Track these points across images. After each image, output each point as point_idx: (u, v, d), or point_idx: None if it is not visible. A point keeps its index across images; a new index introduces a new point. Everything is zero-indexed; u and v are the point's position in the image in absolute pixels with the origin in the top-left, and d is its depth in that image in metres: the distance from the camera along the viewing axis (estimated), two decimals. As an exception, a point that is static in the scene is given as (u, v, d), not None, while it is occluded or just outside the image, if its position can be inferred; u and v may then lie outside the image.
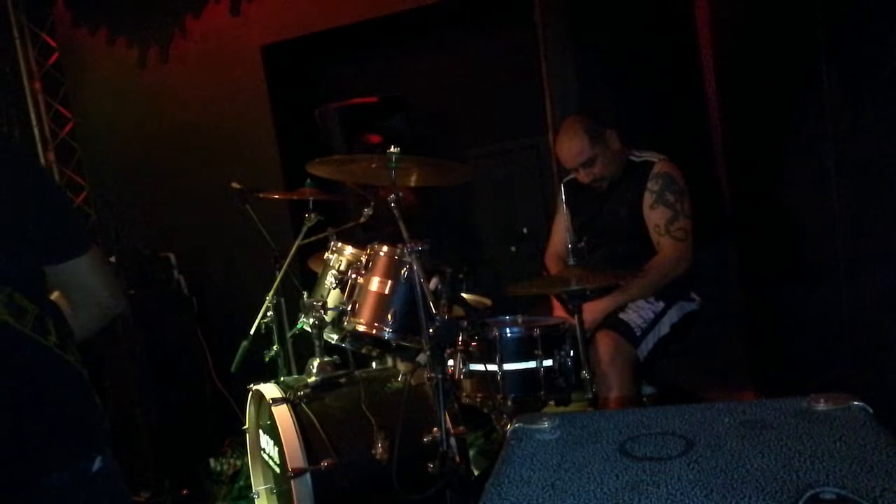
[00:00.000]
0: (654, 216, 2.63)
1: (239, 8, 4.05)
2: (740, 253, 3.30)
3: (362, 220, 2.64)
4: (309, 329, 2.43)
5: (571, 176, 2.88)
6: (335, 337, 2.41)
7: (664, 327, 2.60)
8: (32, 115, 4.44)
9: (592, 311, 2.53)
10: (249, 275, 3.80)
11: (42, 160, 4.39)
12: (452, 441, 2.09)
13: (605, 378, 2.40)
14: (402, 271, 2.16)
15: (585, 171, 2.73)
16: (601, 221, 2.77)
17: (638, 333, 2.53)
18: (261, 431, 2.43)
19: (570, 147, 2.71)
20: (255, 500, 2.49)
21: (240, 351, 2.77)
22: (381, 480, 2.03)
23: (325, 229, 2.85)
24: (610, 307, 2.57)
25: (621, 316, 2.56)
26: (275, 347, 2.95)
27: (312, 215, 2.92)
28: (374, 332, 2.20)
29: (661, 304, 2.61)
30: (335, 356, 2.52)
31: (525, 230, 4.15)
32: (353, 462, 2.11)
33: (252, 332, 2.84)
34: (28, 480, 1.18)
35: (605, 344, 2.46)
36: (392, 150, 2.07)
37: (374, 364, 2.62)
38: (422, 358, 2.42)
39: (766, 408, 1.08)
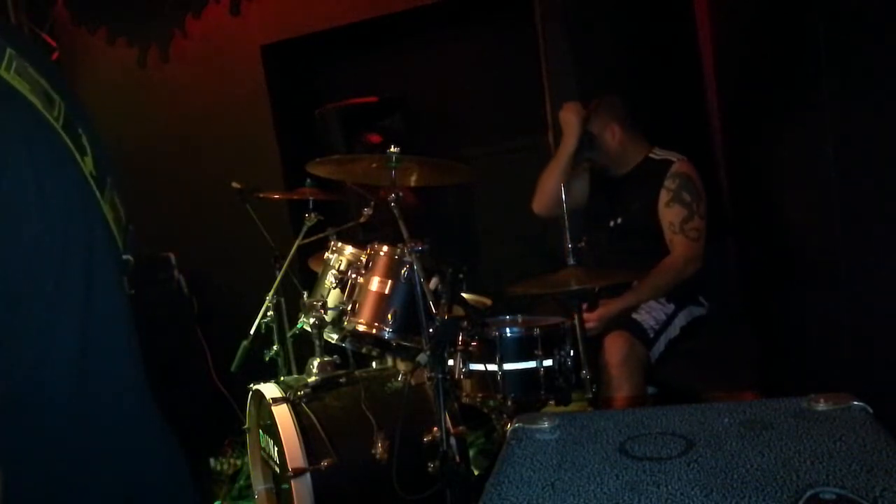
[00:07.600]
0: (669, 214, 2.62)
1: (239, 8, 4.05)
2: (740, 254, 3.30)
3: (362, 220, 2.64)
4: (309, 329, 2.43)
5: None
6: (335, 337, 2.41)
7: (675, 329, 2.60)
8: (32, 115, 4.45)
9: (605, 312, 2.52)
10: (249, 275, 3.80)
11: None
12: (452, 441, 2.08)
13: (616, 379, 2.38)
14: (402, 271, 2.16)
15: None
16: (614, 216, 2.76)
17: (651, 335, 2.52)
18: (261, 431, 2.43)
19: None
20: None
21: (240, 351, 2.77)
22: (381, 480, 2.03)
23: (325, 229, 2.86)
24: (622, 308, 2.55)
25: (634, 317, 2.54)
26: (275, 347, 2.95)
27: (312, 215, 2.92)
28: (374, 331, 2.20)
29: (672, 307, 2.61)
30: (335, 356, 2.52)
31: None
32: (353, 462, 2.11)
33: (252, 331, 2.84)
34: None
35: (618, 344, 2.43)
36: (392, 150, 2.07)
37: (374, 364, 2.62)
38: (422, 358, 2.42)
39: (766, 408, 1.09)
